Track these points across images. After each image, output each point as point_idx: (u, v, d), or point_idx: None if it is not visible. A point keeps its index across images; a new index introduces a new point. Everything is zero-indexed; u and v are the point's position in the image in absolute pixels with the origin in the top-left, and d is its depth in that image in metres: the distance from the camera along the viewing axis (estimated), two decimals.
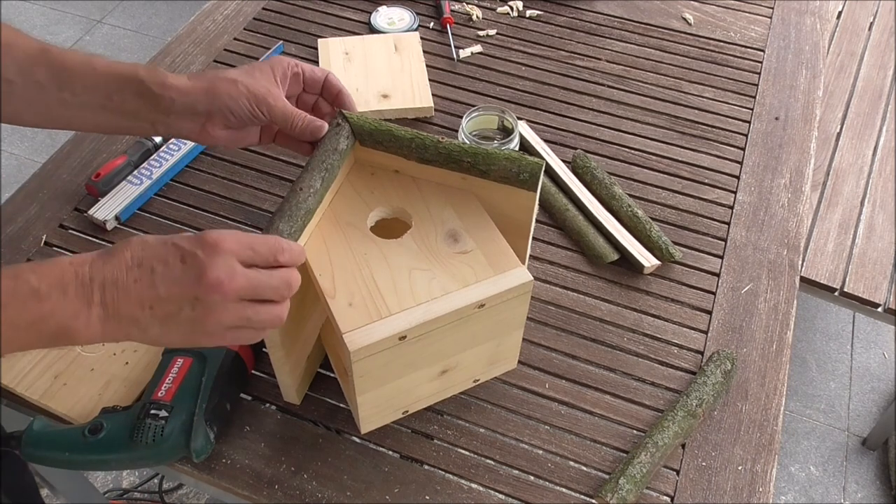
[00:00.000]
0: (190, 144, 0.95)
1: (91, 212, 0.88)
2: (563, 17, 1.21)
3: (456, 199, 0.67)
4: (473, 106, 0.94)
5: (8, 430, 0.68)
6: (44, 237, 0.87)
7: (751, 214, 0.94)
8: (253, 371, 0.76)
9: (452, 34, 1.14)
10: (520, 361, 0.75)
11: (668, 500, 0.69)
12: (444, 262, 0.62)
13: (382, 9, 1.19)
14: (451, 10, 1.19)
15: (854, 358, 1.81)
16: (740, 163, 1.00)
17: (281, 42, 1.13)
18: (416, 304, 0.59)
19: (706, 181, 0.98)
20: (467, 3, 1.22)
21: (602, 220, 0.89)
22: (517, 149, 0.92)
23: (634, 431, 0.74)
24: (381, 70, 1.07)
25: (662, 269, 0.87)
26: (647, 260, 0.86)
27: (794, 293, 0.86)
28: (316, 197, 0.62)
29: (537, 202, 0.67)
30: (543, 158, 0.82)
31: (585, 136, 1.02)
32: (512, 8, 1.21)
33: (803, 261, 1.34)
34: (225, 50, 1.12)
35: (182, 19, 2.57)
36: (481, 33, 1.17)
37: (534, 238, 0.81)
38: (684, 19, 1.22)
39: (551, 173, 0.95)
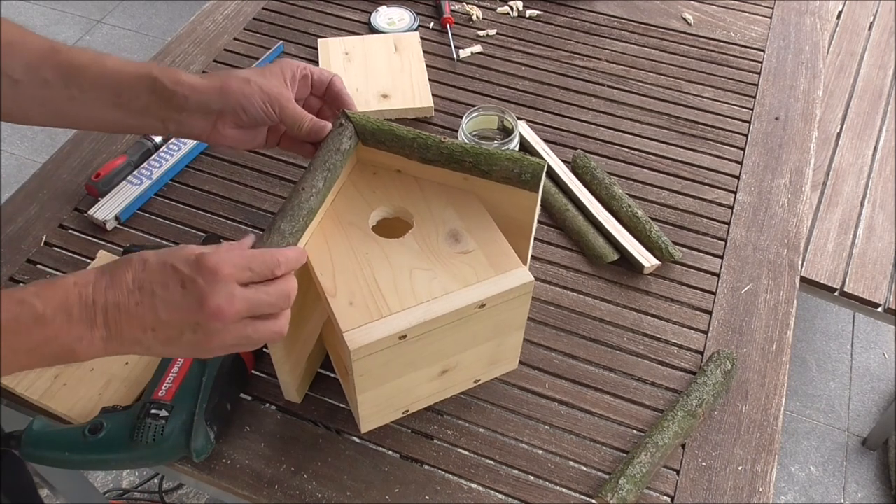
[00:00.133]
0: (190, 144, 0.95)
1: (91, 212, 0.88)
2: (563, 17, 1.21)
3: (457, 199, 0.67)
4: (473, 106, 0.94)
5: (8, 430, 0.68)
6: (44, 237, 0.87)
7: (751, 214, 0.94)
8: (253, 371, 0.76)
9: (452, 34, 1.14)
10: (520, 361, 0.75)
11: (668, 500, 0.69)
12: (445, 261, 0.62)
13: (382, 9, 1.19)
14: (451, 10, 1.19)
15: (854, 358, 1.81)
16: (740, 163, 1.00)
17: (281, 42, 1.13)
18: (417, 304, 0.59)
19: (706, 181, 0.98)
20: (467, 3, 1.22)
21: (602, 220, 0.89)
22: (517, 149, 0.92)
23: (634, 431, 0.74)
24: (381, 70, 1.07)
25: (662, 269, 0.87)
26: (647, 260, 0.86)
27: (794, 293, 0.86)
28: (318, 197, 0.62)
29: (539, 203, 0.67)
30: (544, 159, 0.82)
31: (585, 136, 1.02)
32: (512, 8, 1.21)
33: (803, 261, 1.34)
34: (225, 50, 1.12)
35: (182, 19, 2.57)
36: (481, 33, 1.17)
37: (534, 238, 0.81)
38: (684, 19, 1.22)
39: (551, 173, 0.95)
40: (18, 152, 2.19)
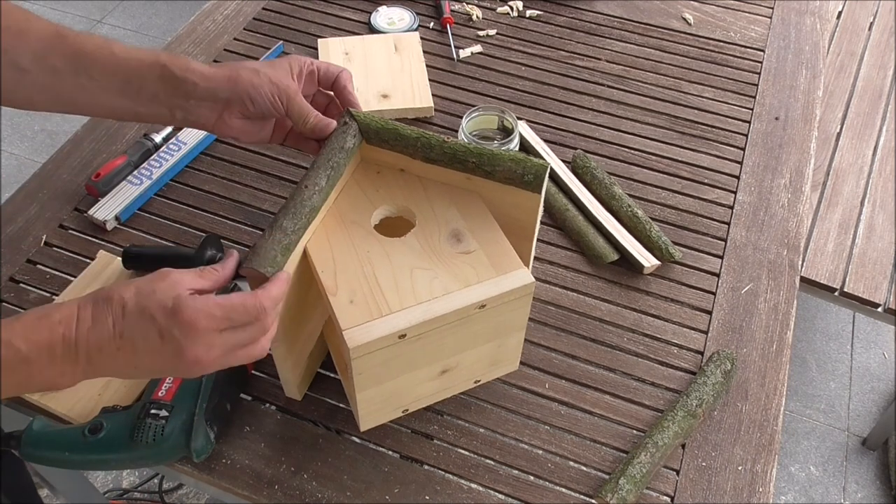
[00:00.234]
0: (190, 144, 0.95)
1: (91, 212, 0.88)
2: (563, 17, 1.21)
3: (460, 199, 0.67)
4: (473, 106, 0.94)
5: (8, 430, 0.68)
6: (44, 237, 0.87)
7: (751, 214, 0.94)
8: (253, 371, 0.76)
9: (452, 34, 1.14)
10: (520, 361, 0.75)
11: (668, 500, 0.69)
12: (446, 261, 0.62)
13: (382, 9, 1.19)
14: (451, 10, 1.19)
15: (854, 358, 1.81)
16: (740, 163, 1.00)
17: (281, 42, 1.13)
18: (417, 303, 0.59)
19: (706, 181, 0.98)
20: (467, 3, 1.22)
21: (602, 220, 0.89)
22: (517, 149, 0.92)
23: (634, 431, 0.74)
24: (381, 70, 1.07)
25: (662, 269, 0.87)
26: (647, 260, 0.86)
27: (794, 293, 0.86)
28: (321, 195, 0.62)
29: (542, 204, 0.67)
30: (546, 160, 0.82)
31: (585, 136, 1.02)
32: (512, 8, 1.21)
33: (803, 261, 1.34)
34: (225, 50, 1.12)
35: (182, 19, 2.57)
36: (481, 33, 1.17)
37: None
38: (684, 19, 1.22)
39: (551, 173, 0.95)
40: (18, 152, 2.19)
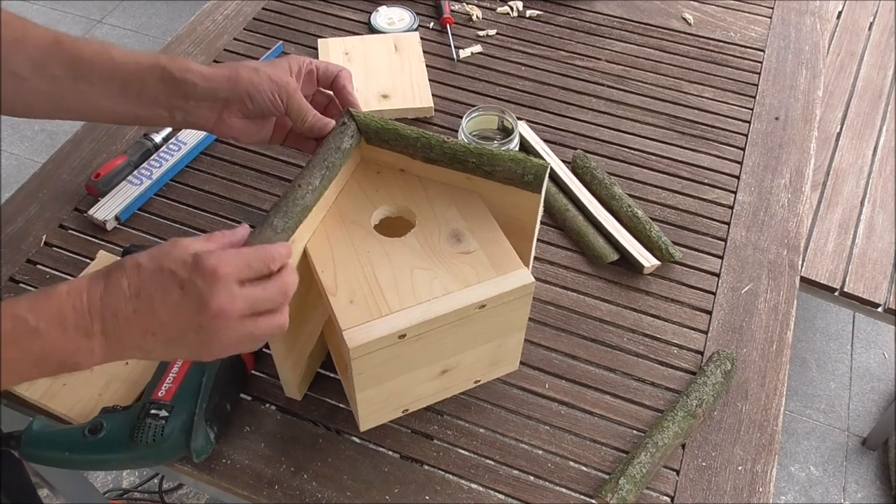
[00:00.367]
0: (190, 144, 0.95)
1: (91, 212, 0.88)
2: (562, 17, 1.21)
3: (460, 199, 0.67)
4: (473, 106, 0.94)
5: (8, 430, 0.68)
6: (44, 237, 0.87)
7: (751, 214, 0.94)
8: (253, 371, 0.76)
9: (452, 34, 1.14)
10: (520, 361, 0.75)
11: (668, 500, 0.69)
12: (446, 261, 0.62)
13: (382, 9, 1.19)
14: (451, 10, 1.19)
15: (854, 358, 1.81)
16: (740, 163, 1.00)
17: (281, 42, 1.13)
18: (417, 303, 0.59)
19: (706, 181, 0.98)
20: (467, 3, 1.22)
21: (602, 220, 0.89)
22: (517, 149, 0.92)
23: (634, 431, 0.74)
24: (381, 70, 1.07)
25: (662, 270, 0.87)
26: (647, 260, 0.86)
27: (794, 293, 0.86)
28: (314, 194, 0.62)
29: (542, 204, 0.67)
30: (545, 159, 0.82)
31: (585, 136, 1.02)
32: (512, 8, 1.21)
33: (803, 261, 1.34)
34: (225, 50, 1.12)
35: (182, 19, 2.57)
36: (481, 33, 1.17)
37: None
38: (684, 19, 1.22)
39: (551, 173, 0.95)
40: (18, 152, 2.19)
